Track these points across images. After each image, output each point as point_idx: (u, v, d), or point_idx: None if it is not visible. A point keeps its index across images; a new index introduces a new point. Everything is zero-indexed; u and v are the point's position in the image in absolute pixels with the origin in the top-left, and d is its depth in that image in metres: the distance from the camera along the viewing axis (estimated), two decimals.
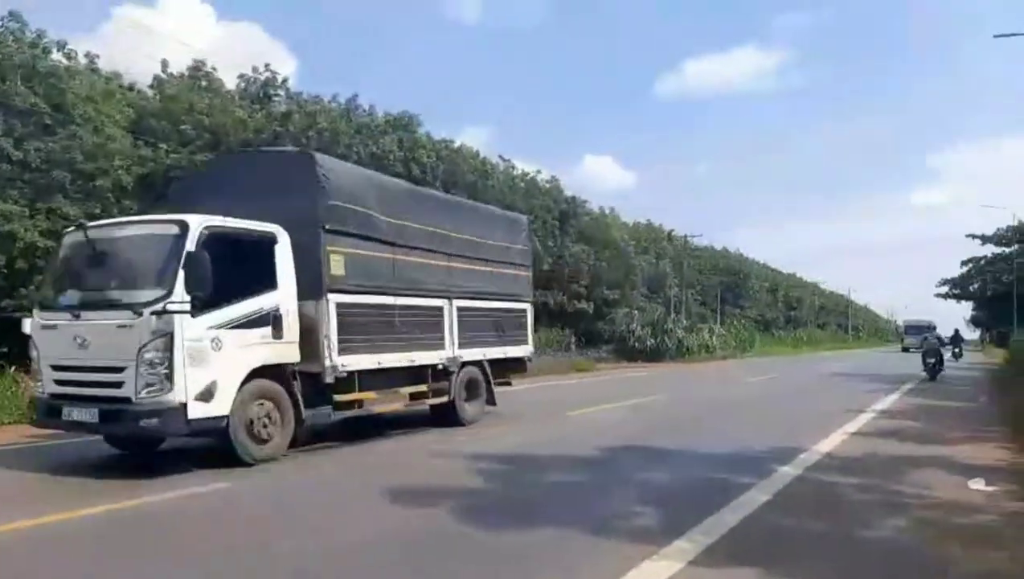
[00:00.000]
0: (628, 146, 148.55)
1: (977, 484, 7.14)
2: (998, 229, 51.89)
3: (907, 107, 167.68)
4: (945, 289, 60.65)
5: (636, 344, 35.81)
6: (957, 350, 37.86)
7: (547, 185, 48.53)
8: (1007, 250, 52.10)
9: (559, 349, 28.55)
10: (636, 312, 39.63)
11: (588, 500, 6.63)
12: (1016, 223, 50.39)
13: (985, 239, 53.09)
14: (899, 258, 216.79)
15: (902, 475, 7.65)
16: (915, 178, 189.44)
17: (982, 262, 56.50)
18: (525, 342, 13.31)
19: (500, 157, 44.11)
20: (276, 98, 28.42)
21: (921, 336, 36.08)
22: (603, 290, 50.92)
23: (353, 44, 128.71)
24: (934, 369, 23.39)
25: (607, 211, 55.15)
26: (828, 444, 9.69)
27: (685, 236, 59.55)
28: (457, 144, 37.01)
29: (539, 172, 47.02)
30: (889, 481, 7.34)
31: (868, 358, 45.70)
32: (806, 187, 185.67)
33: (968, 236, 54.31)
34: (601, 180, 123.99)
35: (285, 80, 28.81)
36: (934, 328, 37.79)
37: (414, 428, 11.08)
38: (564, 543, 5.23)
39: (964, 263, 58.32)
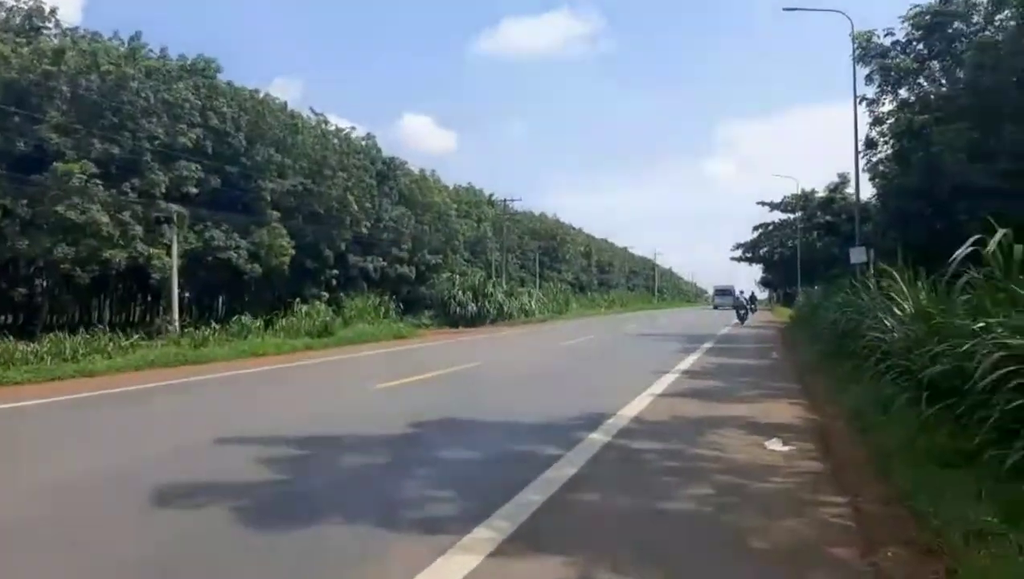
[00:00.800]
0: (447, 106, 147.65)
1: (774, 444, 7.28)
2: (784, 197, 56.85)
3: (707, 79, 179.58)
4: (739, 253, 65.92)
5: (458, 309, 35.57)
6: (752, 307, 48.67)
7: (363, 143, 47.02)
8: (792, 217, 57.24)
9: (378, 317, 27.50)
10: (458, 277, 39.35)
11: (384, 487, 5.97)
12: (800, 192, 55.45)
13: (773, 206, 58.03)
14: (698, 224, 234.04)
15: (704, 438, 7.68)
16: (713, 148, 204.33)
17: (770, 228, 61.91)
18: None
19: (311, 110, 42.06)
20: (45, 32, 24.78)
21: (727, 297, 61.28)
22: (425, 254, 50.48)
23: None
24: (743, 317, 38.82)
25: (428, 173, 54.57)
26: (636, 407, 9.70)
27: (505, 200, 60.14)
28: (262, 95, 34.75)
29: (354, 129, 45.56)
30: (692, 445, 7.32)
31: (673, 317, 48.62)
32: (617, 154, 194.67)
33: (759, 203, 59.22)
34: (420, 139, 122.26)
35: (54, 11, 25.14)
36: (743, 292, 52.94)
37: None
38: (352, 541, 4.55)
39: (755, 228, 63.68)
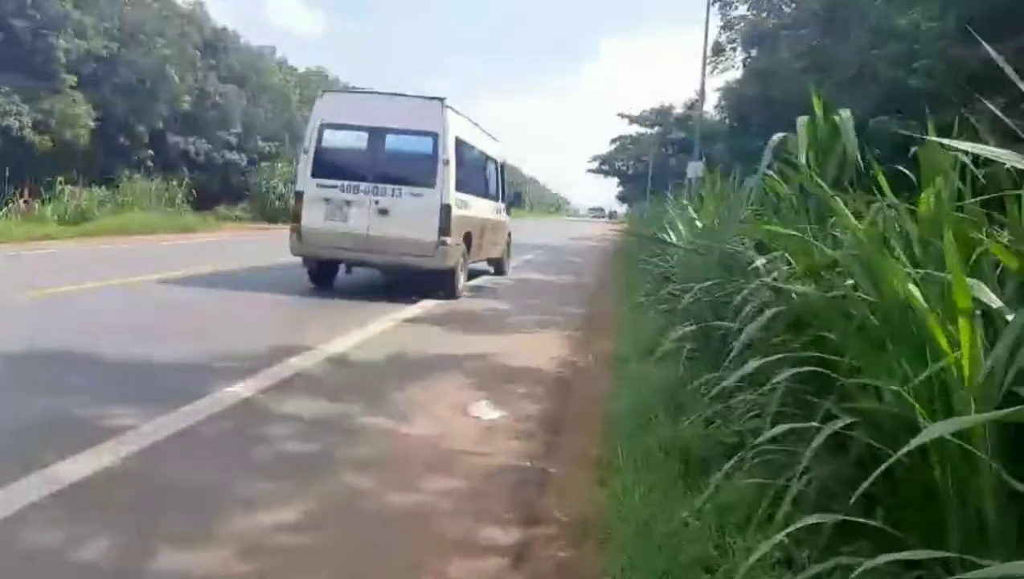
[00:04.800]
0: None
1: (479, 410, 5.05)
2: (643, 111, 55.54)
3: None
4: (596, 165, 64.69)
5: (277, 202, 31.64)
6: (607, 219, 74.92)
7: (190, 8, 41.62)
8: (649, 132, 56.18)
9: (160, 204, 23.51)
10: (280, 165, 35.18)
11: None
12: (660, 106, 54.23)
13: (632, 119, 56.64)
14: (561, 134, 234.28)
15: (398, 393, 5.35)
16: (583, 60, 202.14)
17: (628, 141, 60.76)
18: None
19: None
20: None
21: (598, 211, 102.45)
22: (258, 141, 45.44)
23: None
24: (610, 219, 75.01)
25: (268, 52, 49.26)
26: (356, 337, 7.25)
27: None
28: None
29: None
30: (368, 408, 4.94)
31: (529, 226, 46.52)
32: (492, 59, 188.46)
33: (619, 115, 57.69)
34: (282, 18, 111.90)
35: None
36: (609, 209, 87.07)
37: None
38: None
39: (613, 141, 62.37)
